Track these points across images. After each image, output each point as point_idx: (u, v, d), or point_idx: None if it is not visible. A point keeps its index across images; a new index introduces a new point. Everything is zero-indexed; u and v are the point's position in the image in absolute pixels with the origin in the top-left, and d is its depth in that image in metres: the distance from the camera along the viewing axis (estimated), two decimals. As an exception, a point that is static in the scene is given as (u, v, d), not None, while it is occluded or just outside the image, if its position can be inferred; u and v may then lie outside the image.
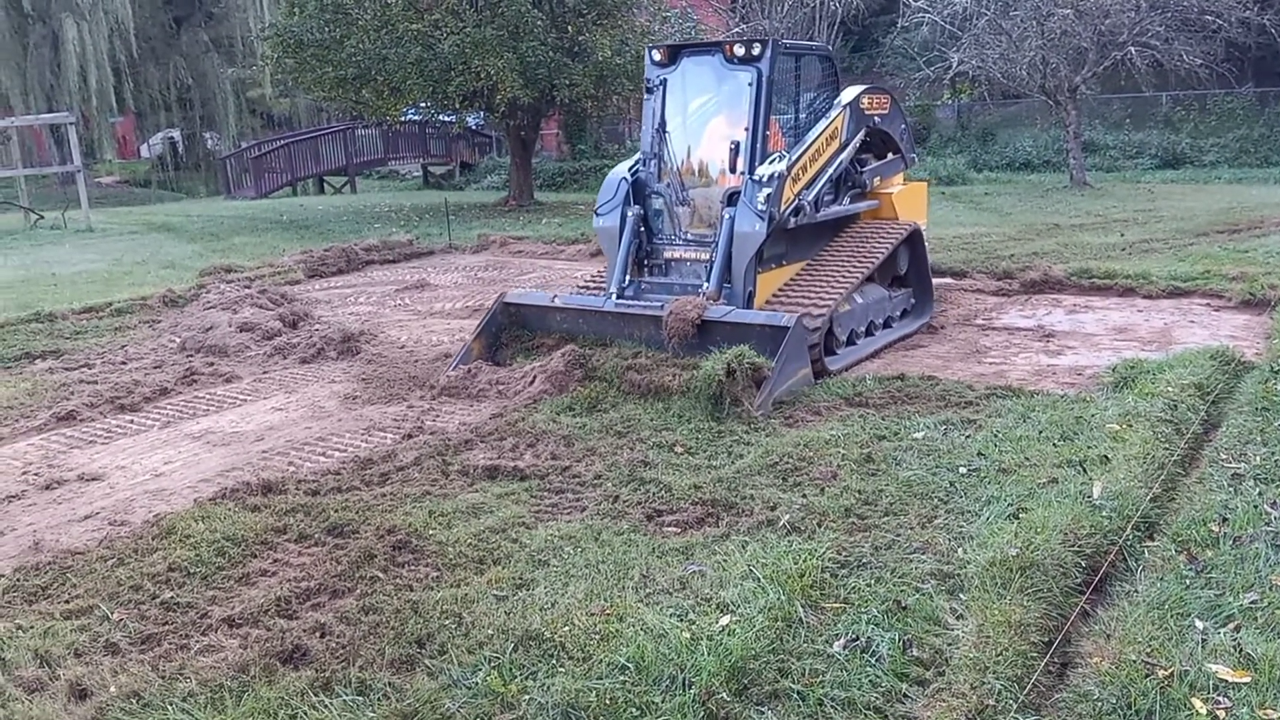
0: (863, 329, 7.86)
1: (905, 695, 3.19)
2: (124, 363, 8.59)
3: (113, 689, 3.39)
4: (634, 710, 3.13)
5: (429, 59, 17.11)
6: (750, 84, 7.36)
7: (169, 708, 3.28)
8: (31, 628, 3.85)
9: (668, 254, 7.81)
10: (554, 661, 3.44)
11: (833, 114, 8.00)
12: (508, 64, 16.90)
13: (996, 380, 6.83)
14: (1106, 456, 4.97)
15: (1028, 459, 5.08)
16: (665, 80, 7.75)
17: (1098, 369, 6.98)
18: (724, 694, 3.18)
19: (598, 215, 7.85)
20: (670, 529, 4.59)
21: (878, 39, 26.52)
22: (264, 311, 9.82)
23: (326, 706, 3.23)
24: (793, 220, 7.42)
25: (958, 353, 7.75)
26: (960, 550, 4.09)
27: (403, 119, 21.90)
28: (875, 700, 3.17)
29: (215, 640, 3.72)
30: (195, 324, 9.58)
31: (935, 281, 10.61)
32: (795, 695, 3.21)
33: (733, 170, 7.35)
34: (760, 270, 7.37)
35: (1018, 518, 4.30)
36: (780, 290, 7.53)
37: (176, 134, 35.78)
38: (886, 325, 8.26)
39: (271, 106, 35.44)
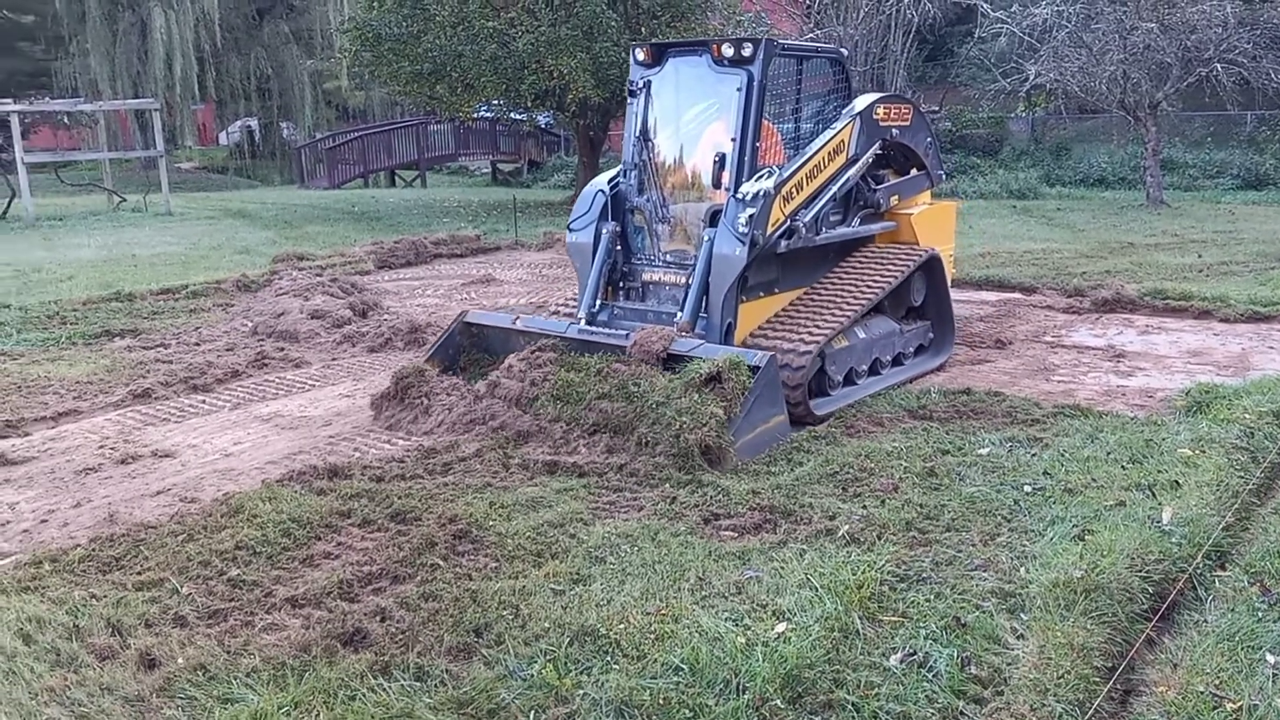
0: (865, 367, 7.03)
1: (962, 713, 3.16)
2: (198, 344, 8.83)
3: (180, 660, 3.49)
4: (687, 711, 3.14)
5: (503, 57, 17.29)
6: (739, 89, 6.54)
7: (233, 682, 3.36)
8: (105, 597, 3.97)
9: (646, 276, 7.02)
10: (609, 658, 3.46)
11: (839, 125, 7.11)
12: (580, 64, 17.01)
13: (1064, 399, 6.70)
14: (1177, 482, 4.86)
15: (1095, 480, 4.98)
16: (649, 82, 6.97)
17: (1170, 392, 6.82)
18: (778, 701, 3.18)
19: (570, 230, 7.15)
20: (727, 533, 4.59)
21: (952, 49, 26.18)
22: (334, 300, 10.01)
23: (385, 690, 3.29)
24: (783, 244, 6.58)
25: (1025, 369, 7.63)
26: (1023, 569, 4.03)
27: (475, 116, 22.16)
28: (931, 716, 3.13)
29: (279, 619, 3.80)
30: (267, 309, 9.80)
31: (1003, 296, 10.49)
32: (849, 706, 3.19)
33: (716, 185, 6.57)
34: (745, 299, 6.60)
35: (1083, 539, 4.22)
36: (767, 323, 6.76)
37: (254, 123, 36.63)
38: (897, 363, 7.41)
39: (347, 99, 36.09)
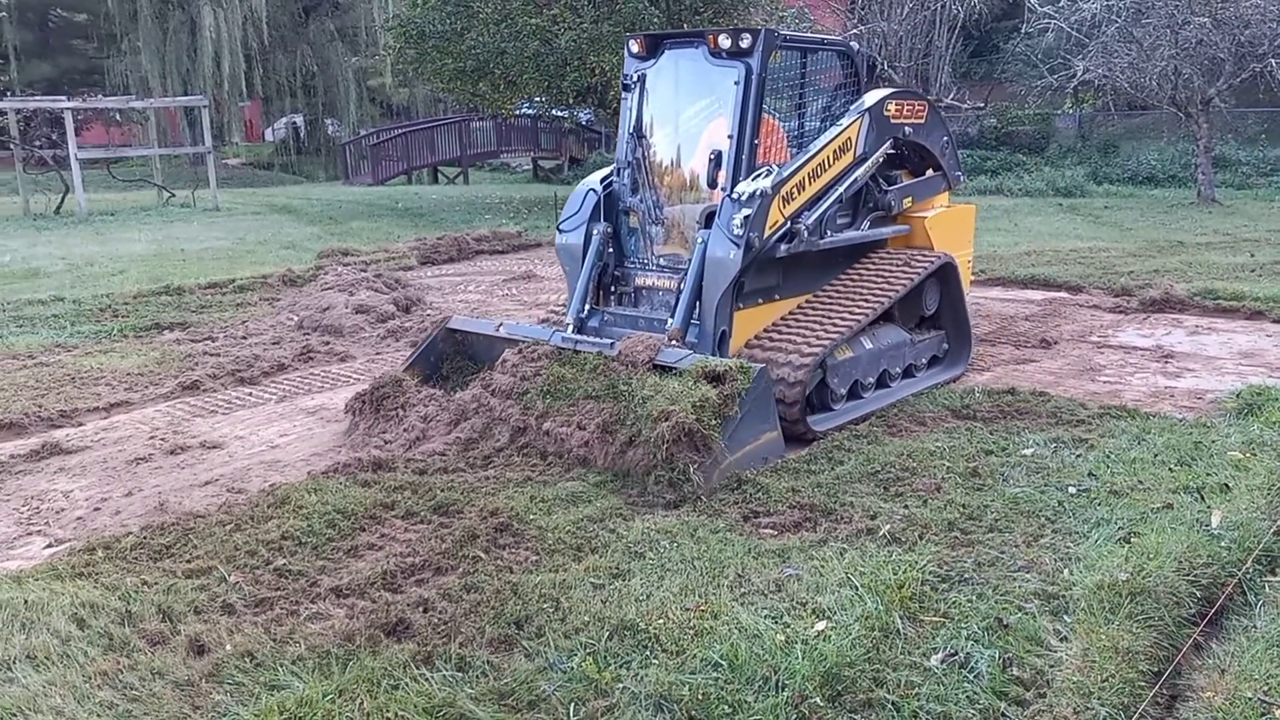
0: (872, 380, 6.62)
1: (1003, 714, 3.14)
2: (245, 338, 8.97)
3: (228, 647, 3.56)
4: (726, 707, 3.15)
5: (546, 54, 17.36)
6: (736, 82, 6.19)
7: (279, 669, 3.42)
8: (156, 584, 4.06)
9: (638, 280, 6.68)
10: (648, 653, 3.48)
11: (845, 121, 6.69)
12: (622, 60, 17.02)
13: (1111, 400, 6.61)
14: (1227, 485, 4.77)
15: (1141, 482, 4.91)
16: (644, 75, 6.64)
17: (1220, 393, 6.70)
18: (817, 698, 3.17)
19: (559, 231, 6.83)
20: (767, 531, 4.59)
21: (998, 45, 25.84)
22: (379, 295, 10.13)
23: (427, 679, 3.33)
24: (783, 248, 6.22)
25: (1070, 369, 7.53)
26: (1066, 571, 3.99)
27: (516, 113, 22.26)
28: (972, 717, 3.12)
29: (323, 608, 3.87)
30: (313, 304, 9.93)
31: (1048, 295, 10.36)
32: (889, 705, 3.18)
33: (712, 185, 6.20)
34: (741, 306, 6.25)
35: (1129, 542, 4.17)
36: (765, 332, 6.39)
37: (299, 119, 37.10)
38: (908, 375, 7.01)
39: (391, 96, 36.44)
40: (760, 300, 6.46)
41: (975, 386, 6.87)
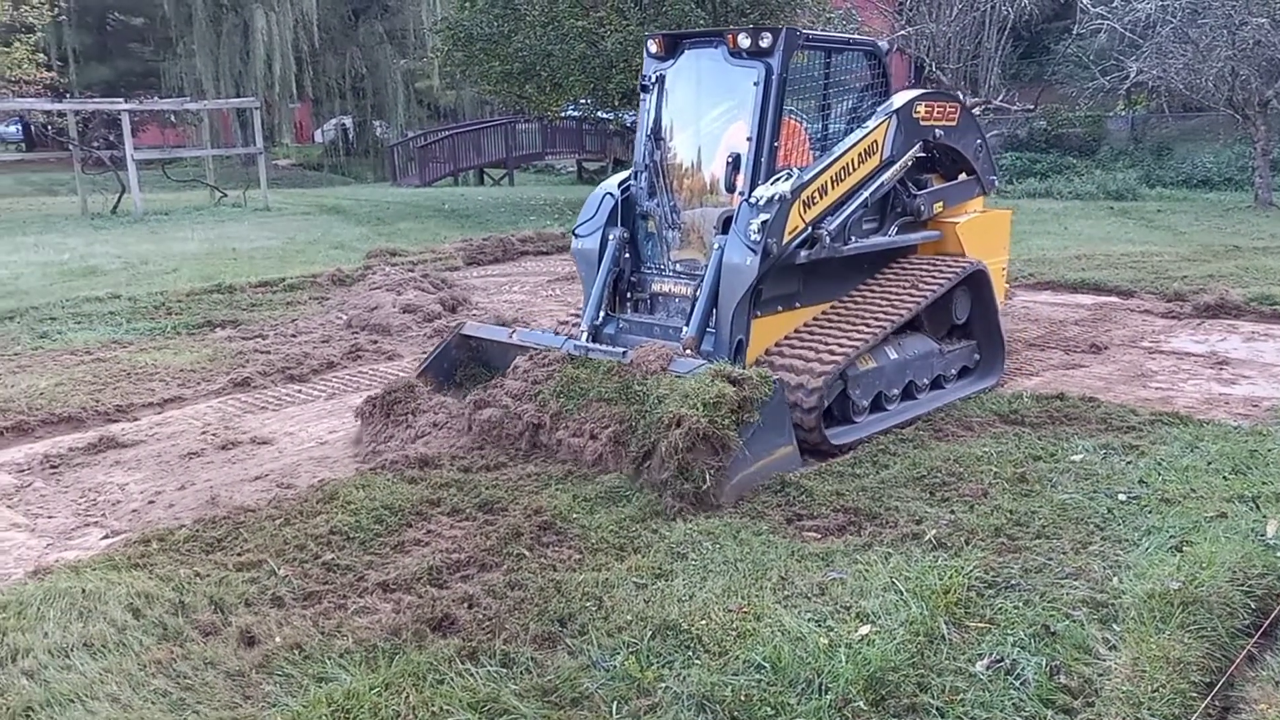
0: (897, 391, 6.39)
1: (1050, 722, 3.10)
2: (295, 335, 9.11)
3: (278, 639, 3.62)
4: (769, 709, 3.14)
5: (592, 56, 17.42)
6: (756, 83, 6.00)
7: (327, 662, 3.48)
8: (208, 575, 4.14)
9: (655, 286, 6.50)
10: (690, 653, 3.49)
11: (871, 124, 6.49)
12: (668, 63, 17.04)
13: (1162, 406, 6.50)
14: (1283, 494, 4.68)
15: (1194, 490, 4.82)
16: (663, 76, 6.44)
17: (1277, 401, 6.56)
18: (860, 702, 3.16)
19: (575, 236, 6.69)
20: (810, 534, 4.57)
21: (1049, 46, 25.47)
22: (425, 294, 10.23)
23: (472, 674, 3.37)
24: (803, 254, 6.05)
25: (1121, 375, 7.41)
26: (1116, 579, 3.93)
27: (562, 115, 22.34)
28: (1018, 724, 3.09)
29: (370, 603, 3.92)
30: (361, 303, 10.06)
31: (1099, 300, 10.20)
32: (934, 711, 3.16)
33: (730, 189, 6.03)
34: (759, 314, 6.06)
35: (1180, 550, 4.10)
36: (784, 341, 6.19)
37: (348, 121, 37.59)
38: (936, 386, 6.74)
39: (438, 98, 36.74)
40: (780, 308, 6.29)
41: (1024, 391, 6.79)
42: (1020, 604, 3.78)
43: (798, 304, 6.41)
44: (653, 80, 6.48)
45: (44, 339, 8.88)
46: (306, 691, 3.30)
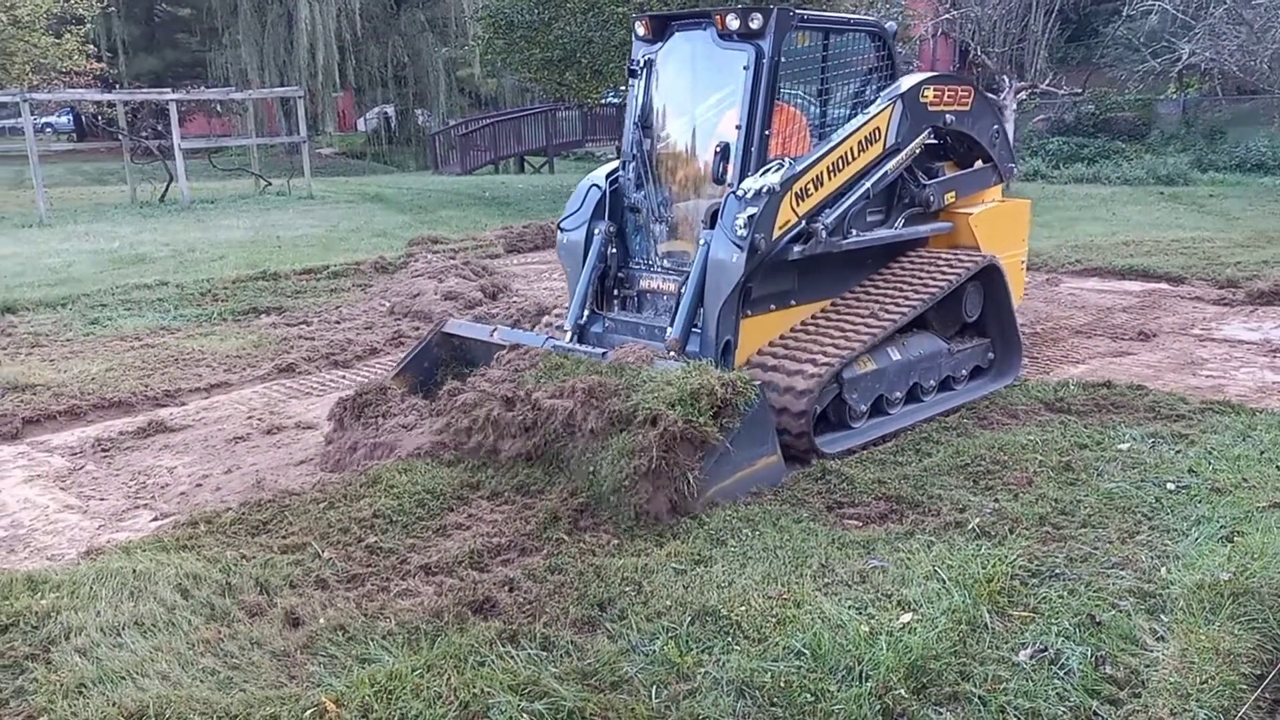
0: (900, 394, 6.04)
1: (1095, 713, 3.06)
2: (338, 322, 9.21)
3: (321, 620, 3.67)
4: (809, 696, 3.13)
5: (632, 43, 17.36)
6: (746, 67, 5.60)
7: (370, 643, 3.52)
8: (254, 558, 4.21)
9: (643, 283, 6.15)
10: (730, 639, 3.48)
11: (874, 109, 6.04)
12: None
13: (1213, 394, 6.37)
14: (1339, 485, 4.57)
15: (1246, 480, 4.73)
16: (651, 60, 6.06)
17: (1333, 391, 6.41)
18: (901, 690, 3.14)
19: (560, 230, 6.35)
20: (851, 522, 4.54)
21: (1097, 28, 24.98)
22: (467, 282, 10.30)
23: (513, 657, 3.39)
24: (796, 249, 5.68)
25: (1171, 362, 7.28)
26: (1164, 570, 3.87)
27: (602, 102, 22.31)
28: (1062, 714, 3.05)
29: (413, 585, 3.96)
30: (403, 290, 10.14)
31: (1147, 287, 10.01)
32: (976, 700, 3.13)
33: (718, 180, 5.63)
34: (749, 313, 5.68)
35: (1231, 541, 4.03)
36: (776, 342, 5.85)
37: (390, 110, 37.77)
38: (945, 388, 6.40)
39: (479, 86, 36.81)
40: (772, 306, 5.92)
41: (1070, 379, 6.69)
42: (1065, 593, 3.73)
43: (792, 302, 6.06)
44: (641, 64, 6.12)
45: (95, 325, 9.06)
46: (350, 672, 3.34)
